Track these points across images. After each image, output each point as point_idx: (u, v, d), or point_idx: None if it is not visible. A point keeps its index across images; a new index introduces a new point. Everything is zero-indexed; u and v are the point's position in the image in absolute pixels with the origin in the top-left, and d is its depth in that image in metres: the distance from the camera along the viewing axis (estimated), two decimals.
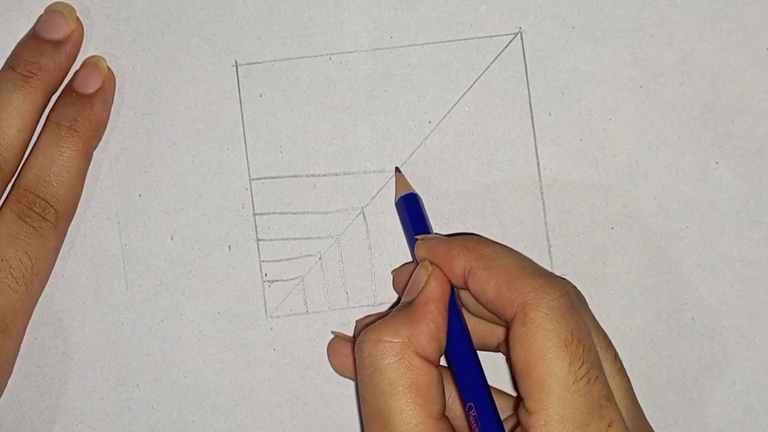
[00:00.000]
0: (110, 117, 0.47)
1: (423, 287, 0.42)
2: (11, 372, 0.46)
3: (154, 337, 0.47)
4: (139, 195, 0.47)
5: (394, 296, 0.47)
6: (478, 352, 0.42)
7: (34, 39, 0.46)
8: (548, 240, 0.47)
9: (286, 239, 0.47)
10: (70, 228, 0.47)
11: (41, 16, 0.47)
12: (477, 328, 0.44)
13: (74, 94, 0.46)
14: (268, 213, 0.47)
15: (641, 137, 0.47)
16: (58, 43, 0.46)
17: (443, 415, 0.40)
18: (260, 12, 0.47)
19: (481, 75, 0.47)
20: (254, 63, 0.47)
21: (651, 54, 0.47)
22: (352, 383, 0.47)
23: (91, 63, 0.47)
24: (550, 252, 0.47)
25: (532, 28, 0.47)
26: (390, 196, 0.47)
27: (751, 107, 0.47)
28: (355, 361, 0.42)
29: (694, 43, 0.47)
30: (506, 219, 0.47)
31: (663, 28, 0.47)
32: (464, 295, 0.43)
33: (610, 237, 0.47)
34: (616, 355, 0.41)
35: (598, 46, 0.47)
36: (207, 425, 0.47)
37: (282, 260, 0.47)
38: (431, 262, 0.42)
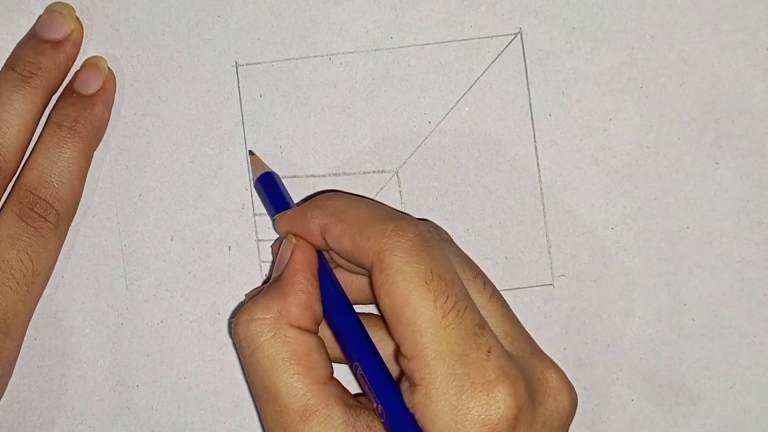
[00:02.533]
0: (110, 117, 0.47)
1: (288, 260, 0.42)
2: (12, 372, 0.46)
3: (154, 338, 0.47)
4: (139, 195, 0.47)
5: None
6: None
7: (33, 39, 0.46)
8: (548, 240, 0.47)
9: None
10: (70, 228, 0.47)
11: (41, 16, 0.47)
12: (354, 284, 0.43)
13: (75, 94, 0.46)
14: (267, 213, 0.47)
15: (641, 138, 0.47)
16: (57, 43, 0.46)
17: (331, 379, 0.40)
18: (260, 12, 0.47)
19: (481, 75, 0.47)
20: (254, 63, 0.47)
21: (651, 54, 0.47)
22: (351, 383, 0.47)
23: (92, 63, 0.47)
24: (549, 252, 0.47)
25: (532, 28, 0.47)
26: (390, 197, 0.47)
27: (752, 108, 0.47)
28: (234, 344, 0.42)
29: (694, 44, 0.47)
30: (506, 219, 0.47)
31: (663, 28, 0.47)
32: (334, 254, 0.43)
33: (610, 237, 0.47)
34: (485, 282, 0.41)
35: (598, 47, 0.47)
36: (207, 425, 0.47)
37: None
38: (294, 235, 0.42)
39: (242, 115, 0.47)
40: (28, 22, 0.47)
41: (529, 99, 0.47)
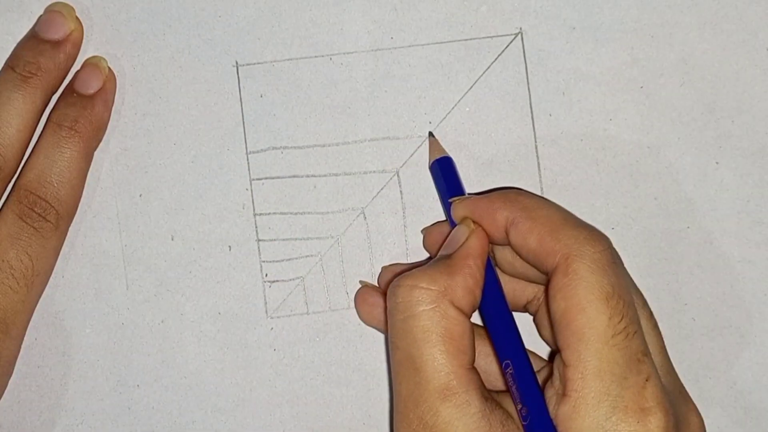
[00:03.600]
0: (111, 117, 0.47)
1: (464, 243, 0.42)
2: (12, 373, 0.46)
3: (154, 338, 0.47)
4: (140, 195, 0.47)
5: None
6: None
7: (33, 39, 0.46)
8: None
9: (287, 239, 0.47)
10: (70, 228, 0.47)
11: (41, 16, 0.47)
12: (507, 287, 0.44)
13: (75, 94, 0.46)
14: (269, 213, 0.47)
15: (642, 138, 0.47)
16: (57, 43, 0.46)
17: (473, 367, 0.40)
18: (261, 12, 0.47)
19: (481, 75, 0.47)
20: (255, 63, 0.47)
21: (651, 54, 0.47)
22: (352, 384, 0.47)
23: (92, 63, 0.47)
24: None
25: (533, 28, 0.47)
26: (391, 197, 0.47)
27: (752, 107, 0.47)
28: (386, 307, 0.42)
29: (694, 44, 0.47)
30: None
31: (663, 28, 0.47)
32: (498, 254, 0.43)
33: (611, 237, 0.47)
34: (651, 313, 0.41)
35: (599, 47, 0.47)
36: (207, 425, 0.47)
37: (282, 260, 0.47)
38: (473, 221, 0.42)
39: (243, 115, 0.47)
40: (28, 22, 0.47)
41: (530, 99, 0.47)
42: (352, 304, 0.47)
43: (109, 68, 0.47)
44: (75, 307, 0.47)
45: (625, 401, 0.37)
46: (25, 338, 0.46)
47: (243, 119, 0.47)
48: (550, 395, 0.39)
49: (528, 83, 0.47)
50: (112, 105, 0.47)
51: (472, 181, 0.47)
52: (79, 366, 0.47)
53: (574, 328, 0.38)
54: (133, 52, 0.48)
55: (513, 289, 0.44)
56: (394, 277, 0.42)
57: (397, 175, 0.47)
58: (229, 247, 0.47)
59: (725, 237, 0.47)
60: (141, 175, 0.47)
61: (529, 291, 0.44)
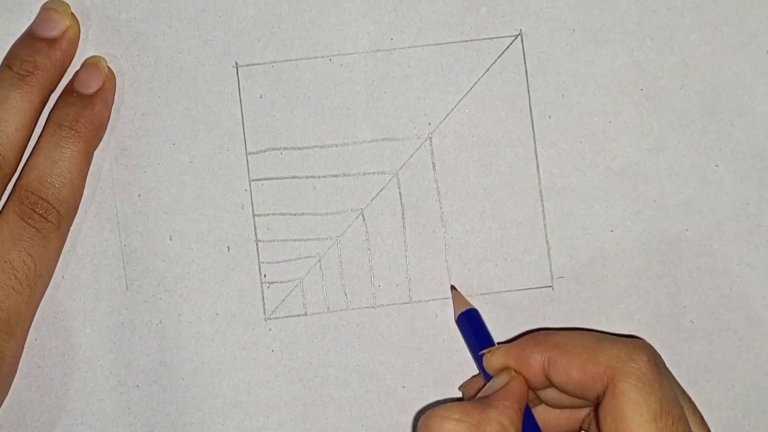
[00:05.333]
0: (110, 117, 0.47)
1: (502, 387, 0.41)
2: (15, 373, 0.46)
3: (153, 338, 0.47)
4: (139, 195, 0.47)
5: (394, 298, 0.47)
6: None
7: (29, 37, 0.46)
8: (547, 243, 0.47)
9: (286, 240, 0.47)
10: (70, 228, 0.47)
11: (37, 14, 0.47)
12: (559, 419, 0.44)
13: (75, 94, 0.46)
14: (268, 214, 0.47)
15: (641, 140, 0.47)
16: (53, 41, 0.46)
17: None
18: (261, 13, 0.47)
19: (481, 77, 0.47)
20: (254, 64, 0.47)
21: (651, 57, 0.47)
22: (350, 385, 0.47)
23: (92, 63, 0.47)
24: (549, 255, 0.47)
25: (533, 30, 0.47)
26: (390, 198, 0.47)
27: (751, 110, 0.47)
28: None
29: (694, 46, 0.47)
30: (506, 221, 0.47)
31: (663, 31, 0.47)
32: (541, 394, 0.43)
33: (610, 240, 0.47)
34: (701, 418, 0.41)
35: (599, 49, 0.47)
36: (206, 426, 0.47)
37: (281, 261, 0.47)
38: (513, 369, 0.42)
39: (242, 116, 0.47)
40: (27, 21, 0.47)
41: (529, 101, 0.47)
42: (351, 305, 0.47)
43: (109, 68, 0.47)
44: (75, 308, 0.47)
45: None
46: None
47: (242, 120, 0.47)
48: None
49: (528, 85, 0.47)
50: (112, 105, 0.47)
51: (471, 182, 0.47)
52: (79, 366, 0.47)
53: None
54: (133, 52, 0.48)
55: (566, 417, 0.44)
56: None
57: (397, 177, 0.47)
58: (228, 247, 0.47)
59: (724, 239, 0.47)
60: (140, 175, 0.47)
61: (582, 414, 0.44)
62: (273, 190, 0.47)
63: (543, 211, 0.47)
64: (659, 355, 0.40)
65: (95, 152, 0.47)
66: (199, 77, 0.47)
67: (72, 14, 0.47)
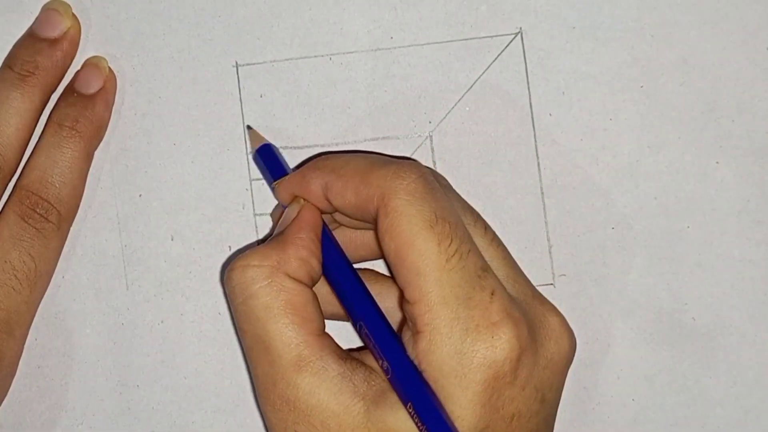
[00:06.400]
0: (111, 117, 0.47)
1: (293, 219, 0.42)
2: (15, 373, 0.46)
3: (154, 338, 0.47)
4: (140, 195, 0.47)
5: None
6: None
7: (30, 38, 0.46)
8: (549, 240, 0.47)
9: None
10: (71, 229, 0.47)
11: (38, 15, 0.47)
12: (359, 238, 0.43)
13: (75, 94, 0.46)
14: (269, 213, 0.47)
15: (642, 137, 0.47)
16: (54, 41, 0.46)
17: (324, 333, 0.40)
18: (260, 12, 0.47)
19: (481, 75, 0.47)
20: (255, 63, 0.47)
21: (651, 54, 0.47)
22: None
23: (92, 63, 0.47)
24: (550, 252, 0.47)
25: (533, 28, 0.47)
26: None
27: (752, 107, 0.47)
28: (225, 293, 0.41)
29: (694, 43, 0.47)
30: (507, 219, 0.47)
31: (663, 28, 0.47)
32: (337, 216, 0.43)
33: (611, 237, 0.47)
34: (486, 227, 0.41)
35: (599, 46, 0.47)
36: (207, 425, 0.47)
37: None
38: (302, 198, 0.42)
39: (242, 115, 0.47)
40: (28, 22, 0.47)
41: (530, 99, 0.47)
42: None
43: (110, 68, 0.47)
44: (75, 308, 0.47)
45: (475, 320, 0.37)
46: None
47: (243, 119, 0.47)
48: (407, 337, 0.39)
49: (528, 83, 0.47)
50: (113, 105, 0.47)
51: (472, 181, 0.47)
52: (80, 366, 0.47)
53: (408, 264, 0.38)
54: (133, 52, 0.48)
55: (363, 239, 0.43)
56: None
57: None
58: (229, 247, 0.47)
59: (725, 236, 0.47)
60: (141, 176, 0.47)
61: None
62: None
63: (544, 208, 0.47)
64: (435, 173, 0.40)
65: (96, 152, 0.47)
66: (199, 77, 0.47)
67: (73, 15, 0.47)
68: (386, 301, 0.43)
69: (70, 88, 0.47)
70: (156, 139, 0.47)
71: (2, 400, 0.46)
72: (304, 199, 0.42)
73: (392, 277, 0.42)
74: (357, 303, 0.41)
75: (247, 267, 0.40)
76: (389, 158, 0.41)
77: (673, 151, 0.47)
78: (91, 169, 0.47)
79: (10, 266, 0.44)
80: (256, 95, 0.47)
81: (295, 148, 0.47)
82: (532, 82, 0.47)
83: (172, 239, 0.47)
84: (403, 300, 0.39)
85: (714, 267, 0.47)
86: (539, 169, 0.47)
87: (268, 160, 0.45)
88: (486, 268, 0.39)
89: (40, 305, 0.47)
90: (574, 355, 0.41)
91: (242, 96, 0.47)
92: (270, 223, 0.47)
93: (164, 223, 0.47)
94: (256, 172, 0.47)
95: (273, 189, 0.44)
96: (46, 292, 0.47)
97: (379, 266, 0.46)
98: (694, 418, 0.47)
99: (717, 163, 0.47)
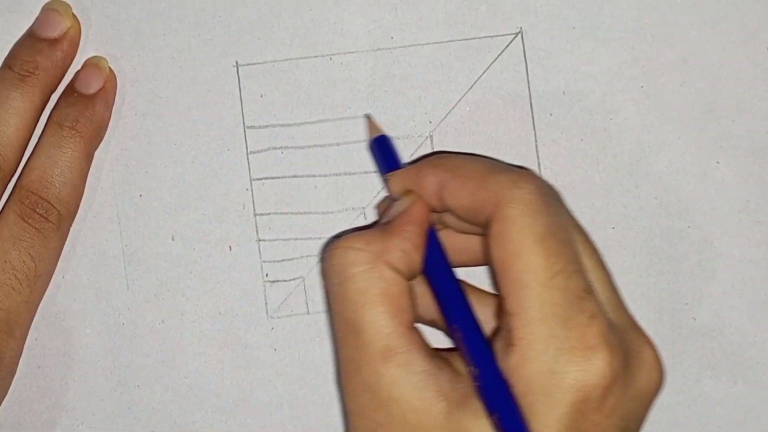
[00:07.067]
0: (111, 117, 0.47)
1: (403, 211, 0.41)
2: (15, 373, 0.46)
3: (154, 338, 0.47)
4: (140, 195, 0.47)
5: None
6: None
7: (30, 38, 0.46)
8: None
9: (287, 239, 0.47)
10: (71, 229, 0.47)
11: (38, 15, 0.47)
12: (468, 242, 0.43)
13: (76, 94, 0.46)
14: (269, 213, 0.47)
15: (642, 137, 0.47)
16: (54, 41, 0.46)
17: (414, 327, 0.40)
18: (261, 12, 0.47)
19: (481, 75, 0.47)
20: (255, 63, 0.47)
21: (652, 54, 0.47)
22: None
23: (93, 63, 0.47)
24: None
25: (533, 28, 0.47)
26: None
27: (752, 107, 0.47)
28: (322, 272, 0.41)
29: (694, 43, 0.47)
30: None
31: (663, 28, 0.47)
32: (445, 218, 0.42)
33: (611, 237, 0.47)
34: (593, 249, 0.41)
35: (599, 46, 0.47)
36: (208, 426, 0.47)
37: (283, 260, 0.47)
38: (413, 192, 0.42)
39: (243, 115, 0.47)
40: (28, 22, 0.47)
41: (530, 98, 0.47)
42: None
43: (110, 68, 0.47)
44: (75, 308, 0.47)
45: (572, 341, 0.37)
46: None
47: (243, 119, 0.47)
48: (499, 348, 0.39)
49: (528, 83, 0.47)
50: (113, 105, 0.47)
51: None
52: (80, 366, 0.47)
53: (513, 275, 0.38)
54: (133, 52, 0.48)
55: (467, 244, 0.43)
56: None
57: None
58: (230, 247, 0.47)
59: (726, 236, 0.47)
60: (141, 175, 0.47)
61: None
62: (274, 190, 0.47)
63: None
64: (551, 187, 0.40)
65: (96, 152, 0.47)
66: (199, 77, 0.47)
67: (73, 15, 0.47)
68: (481, 313, 0.42)
69: (70, 88, 0.47)
70: (156, 139, 0.47)
71: (2, 400, 0.46)
72: (416, 194, 0.42)
73: (481, 290, 0.43)
74: (455, 305, 0.40)
75: (349, 249, 0.40)
76: (508, 165, 0.40)
77: (674, 151, 0.47)
78: (91, 169, 0.47)
79: (10, 266, 0.44)
80: (257, 95, 0.47)
81: (295, 148, 0.47)
82: (532, 82, 0.47)
83: (172, 239, 0.47)
84: (500, 309, 0.39)
85: (714, 267, 0.47)
86: (539, 169, 0.47)
87: (383, 151, 0.45)
88: (589, 290, 0.38)
89: (40, 305, 0.47)
90: (660, 392, 0.40)
91: (242, 96, 0.47)
92: (270, 224, 0.47)
93: (164, 223, 0.47)
94: (257, 172, 0.47)
95: (385, 180, 0.44)
96: (46, 292, 0.47)
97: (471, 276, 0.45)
98: (694, 418, 0.47)
99: (717, 162, 0.47)
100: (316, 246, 0.47)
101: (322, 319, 0.47)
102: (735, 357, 0.47)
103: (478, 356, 0.39)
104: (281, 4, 0.47)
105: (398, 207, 0.42)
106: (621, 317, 0.40)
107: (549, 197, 0.39)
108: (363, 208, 0.47)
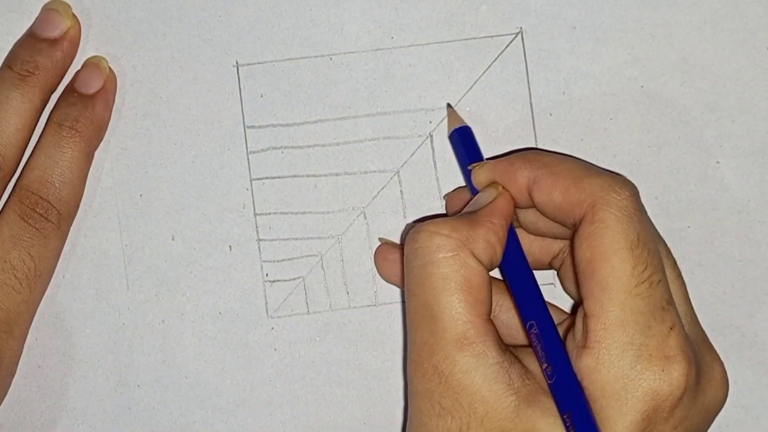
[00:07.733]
0: (111, 117, 0.47)
1: (489, 203, 0.41)
2: (15, 373, 0.46)
3: (155, 338, 0.47)
4: (140, 195, 0.47)
5: (396, 297, 0.47)
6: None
7: (30, 38, 0.46)
8: None
9: (287, 239, 0.47)
10: (71, 228, 0.47)
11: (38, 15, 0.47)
12: (531, 246, 0.44)
13: (76, 94, 0.46)
14: (269, 213, 0.47)
15: (642, 137, 0.47)
16: (54, 41, 0.46)
17: (490, 319, 0.40)
18: (261, 12, 0.47)
19: (481, 75, 0.47)
20: (255, 63, 0.47)
21: (652, 54, 0.47)
22: (352, 384, 0.47)
23: (93, 63, 0.47)
24: None
25: (533, 28, 0.47)
26: (391, 196, 0.47)
27: (752, 107, 0.47)
28: (403, 257, 0.41)
29: (694, 43, 0.47)
30: None
31: (663, 27, 0.47)
32: (521, 216, 0.43)
33: None
34: (675, 262, 0.41)
35: (599, 46, 0.47)
36: (208, 425, 0.47)
37: (283, 260, 0.47)
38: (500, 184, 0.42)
39: (243, 115, 0.47)
40: (28, 22, 0.47)
41: (530, 98, 0.47)
42: (353, 303, 0.47)
43: (110, 68, 0.47)
44: (76, 307, 0.47)
45: (649, 350, 0.37)
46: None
47: (243, 119, 0.47)
48: (572, 348, 0.39)
49: (528, 83, 0.47)
50: (113, 105, 0.47)
51: None
52: (80, 366, 0.47)
53: (598, 278, 0.38)
54: (133, 52, 0.48)
55: (539, 246, 0.44)
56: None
57: (398, 175, 0.47)
58: (230, 246, 0.47)
59: (726, 236, 0.47)
60: (141, 175, 0.47)
61: (555, 247, 0.44)
62: (274, 189, 0.47)
63: None
64: (639, 195, 0.40)
65: (96, 152, 0.47)
66: (199, 77, 0.47)
67: (73, 15, 0.47)
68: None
69: (70, 88, 0.47)
70: (156, 139, 0.47)
71: (2, 400, 0.46)
72: (503, 187, 0.42)
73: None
74: (532, 302, 0.40)
75: (435, 234, 0.40)
76: (603, 169, 0.41)
77: (674, 151, 0.47)
78: (91, 169, 0.47)
79: (10, 266, 0.44)
80: (257, 95, 0.47)
81: (295, 147, 0.47)
82: (532, 82, 0.47)
83: (172, 239, 0.47)
84: (579, 309, 0.39)
85: (714, 267, 0.47)
86: None
87: (466, 142, 0.45)
88: (671, 301, 0.39)
89: (40, 305, 0.47)
90: (722, 408, 0.41)
91: (242, 96, 0.47)
92: (270, 224, 0.47)
93: (165, 223, 0.47)
94: (257, 172, 0.47)
95: (468, 170, 0.44)
96: (46, 292, 0.47)
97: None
98: None
99: (717, 162, 0.47)
100: (316, 246, 0.47)
101: (321, 319, 0.47)
102: (735, 357, 0.47)
103: (553, 354, 0.39)
104: (281, 4, 0.47)
105: (484, 198, 0.42)
106: (695, 331, 0.40)
107: (641, 205, 0.40)
108: (363, 208, 0.47)
